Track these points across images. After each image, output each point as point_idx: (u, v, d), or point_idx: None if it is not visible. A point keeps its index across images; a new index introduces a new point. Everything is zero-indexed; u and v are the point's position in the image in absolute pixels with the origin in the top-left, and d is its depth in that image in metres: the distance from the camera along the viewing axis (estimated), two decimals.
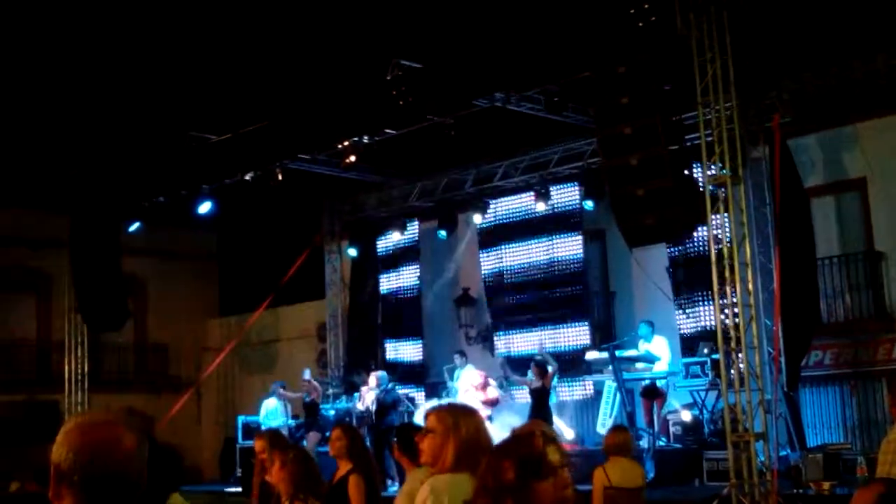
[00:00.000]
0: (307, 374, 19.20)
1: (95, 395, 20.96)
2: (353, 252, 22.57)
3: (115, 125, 19.11)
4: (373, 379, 17.93)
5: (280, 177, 17.17)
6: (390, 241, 22.03)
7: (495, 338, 19.62)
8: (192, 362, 28.22)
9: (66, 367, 21.15)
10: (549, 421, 14.62)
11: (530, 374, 15.80)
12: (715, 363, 13.91)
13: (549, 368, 15.71)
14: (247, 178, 17.30)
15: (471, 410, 4.72)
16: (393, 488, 13.65)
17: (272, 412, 19.02)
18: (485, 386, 16.94)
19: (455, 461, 4.43)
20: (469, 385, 17.10)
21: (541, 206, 18.51)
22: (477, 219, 19.88)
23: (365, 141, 16.27)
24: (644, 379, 15.81)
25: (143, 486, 2.56)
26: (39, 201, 19.88)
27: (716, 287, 12.34)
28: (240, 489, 16.85)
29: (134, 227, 20.20)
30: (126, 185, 19.03)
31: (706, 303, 15.97)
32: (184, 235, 27.66)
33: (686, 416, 15.39)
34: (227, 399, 25.79)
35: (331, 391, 21.20)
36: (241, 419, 21.14)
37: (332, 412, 19.22)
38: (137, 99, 18.42)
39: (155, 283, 28.25)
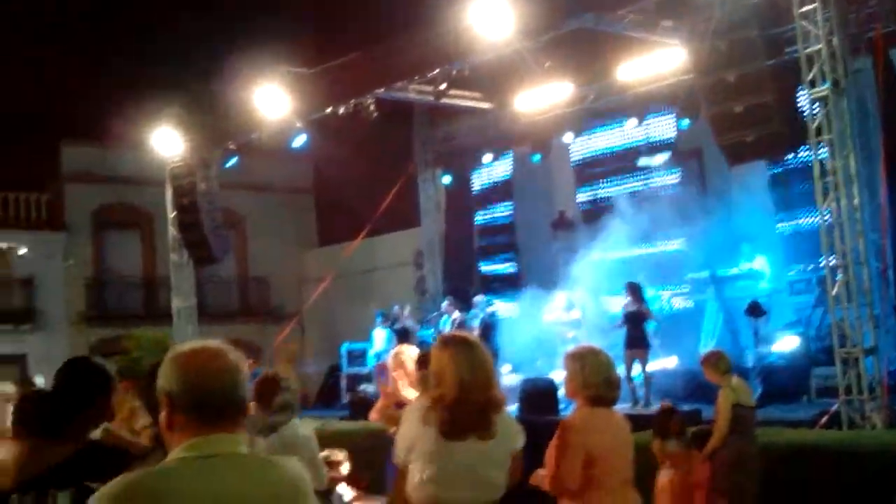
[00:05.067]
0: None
1: (202, 329, 21.44)
2: (447, 179, 22.65)
3: (210, 61, 19.33)
4: (446, 304, 18.72)
5: (373, 107, 17.20)
6: (484, 166, 22.02)
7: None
8: (293, 293, 28.77)
9: (174, 302, 21.73)
10: (646, 346, 14.60)
11: (624, 297, 15.65)
12: (821, 279, 13.70)
13: (645, 293, 15.60)
14: (340, 110, 17.36)
15: (444, 341, 4.76)
16: None
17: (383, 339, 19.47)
18: (569, 308, 17.12)
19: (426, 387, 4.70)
20: (555, 307, 17.36)
21: (632, 124, 18.42)
22: (568, 138, 19.81)
23: (457, 68, 16.19)
24: (747, 297, 15.64)
25: (247, 408, 2.71)
26: (139, 140, 20.24)
27: (820, 202, 12.10)
28: (347, 413, 17.21)
29: (231, 162, 20.48)
30: (223, 119, 19.26)
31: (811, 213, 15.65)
32: (280, 169, 28.07)
33: (793, 341, 15.24)
34: (329, 328, 26.24)
35: (431, 317, 21.42)
36: (344, 347, 21.52)
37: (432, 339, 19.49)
38: (232, 33, 18.58)
39: (253, 217, 28.79)
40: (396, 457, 4.60)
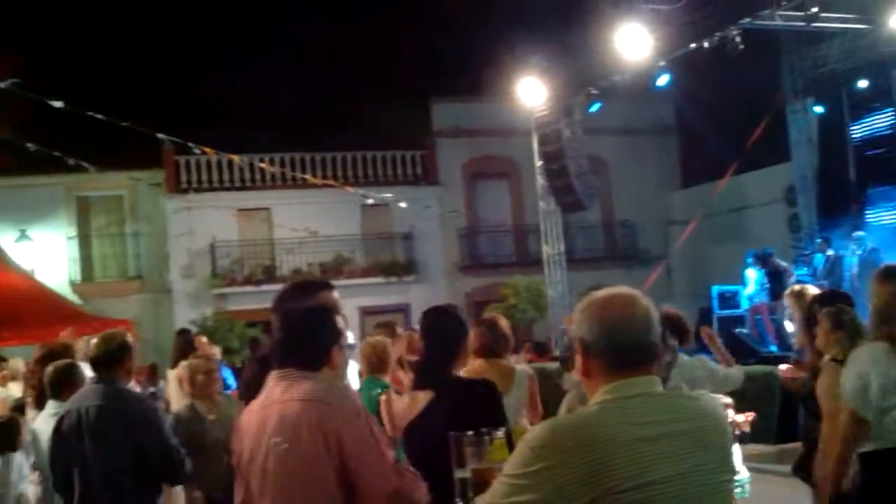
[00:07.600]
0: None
1: (571, 274, 21.76)
2: (819, 109, 21.52)
3: (570, 6, 19.42)
4: (820, 241, 18.08)
5: (738, 39, 16.56)
6: (859, 92, 20.66)
7: None
8: (658, 236, 28.63)
9: (543, 249, 22.22)
10: None
11: None
12: None
13: None
14: (704, 45, 16.87)
15: (887, 274, 4.53)
16: None
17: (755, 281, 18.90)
18: None
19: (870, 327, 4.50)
20: None
21: None
22: None
23: None
24: None
25: (660, 352, 2.75)
26: (504, 92, 20.79)
27: None
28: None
29: (595, 107, 20.57)
30: (584, 64, 19.31)
31: None
32: (641, 111, 27.89)
33: None
34: (696, 270, 25.84)
35: (805, 255, 20.52)
36: (715, 289, 21.04)
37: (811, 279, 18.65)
38: None
39: (617, 161, 28.89)
40: (850, 402, 4.49)
